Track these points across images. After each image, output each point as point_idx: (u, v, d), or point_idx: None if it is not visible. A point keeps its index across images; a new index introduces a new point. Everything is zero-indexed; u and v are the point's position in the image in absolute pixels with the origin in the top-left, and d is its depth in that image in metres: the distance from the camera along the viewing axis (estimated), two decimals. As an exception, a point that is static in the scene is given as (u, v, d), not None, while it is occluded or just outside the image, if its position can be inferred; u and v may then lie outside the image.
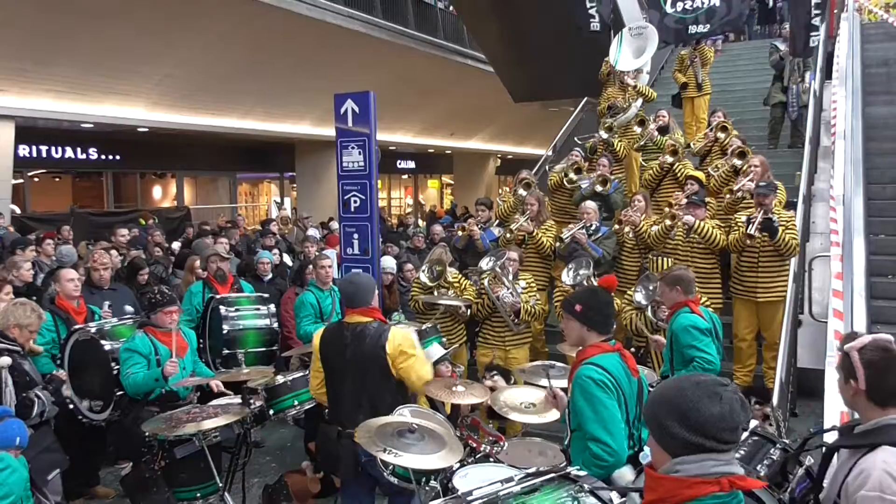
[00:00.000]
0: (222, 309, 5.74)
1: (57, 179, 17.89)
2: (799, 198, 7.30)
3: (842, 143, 7.81)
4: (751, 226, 5.81)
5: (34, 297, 5.22)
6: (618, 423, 2.85)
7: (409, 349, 3.71)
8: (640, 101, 8.73)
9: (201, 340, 5.73)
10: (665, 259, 6.21)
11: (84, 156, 16.88)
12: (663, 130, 8.20)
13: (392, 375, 3.70)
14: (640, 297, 5.68)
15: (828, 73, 10.35)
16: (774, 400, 4.82)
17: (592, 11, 10.58)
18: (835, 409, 4.41)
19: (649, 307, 5.60)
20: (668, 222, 6.22)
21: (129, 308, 5.87)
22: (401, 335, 3.75)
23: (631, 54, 9.45)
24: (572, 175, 7.62)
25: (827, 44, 11.14)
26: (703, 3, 9.40)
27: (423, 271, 6.21)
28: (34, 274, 6.71)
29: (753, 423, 3.14)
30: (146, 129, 15.32)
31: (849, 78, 9.40)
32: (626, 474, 2.34)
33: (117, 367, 4.58)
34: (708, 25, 9.55)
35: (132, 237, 9.82)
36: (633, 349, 5.61)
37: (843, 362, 2.31)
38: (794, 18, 9.21)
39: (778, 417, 4.55)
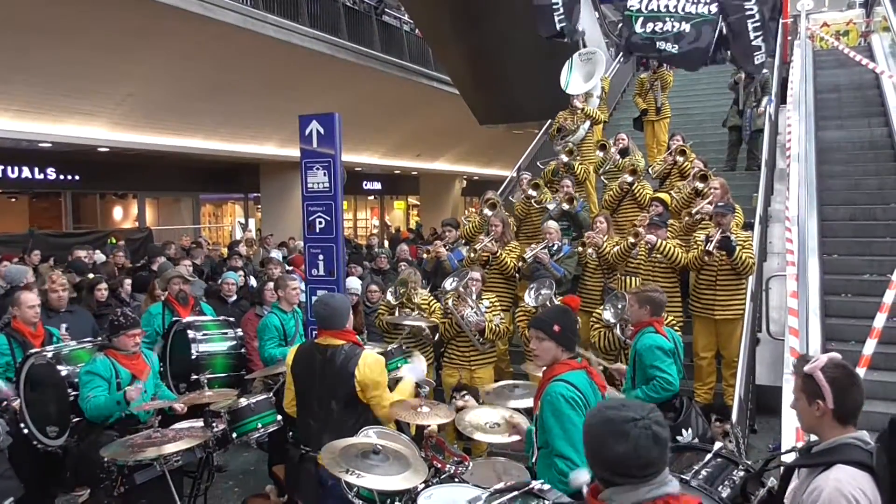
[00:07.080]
0: (190, 333, 5.64)
1: (13, 200, 17.48)
2: (756, 219, 7.48)
3: (796, 165, 8.03)
4: (709, 243, 5.96)
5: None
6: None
7: (381, 378, 3.72)
8: (588, 123, 8.97)
9: (162, 364, 5.62)
10: (633, 278, 6.29)
11: (42, 176, 16.51)
12: (623, 152, 8.39)
13: (359, 401, 3.69)
14: (608, 315, 5.68)
15: (783, 98, 10.67)
16: (734, 417, 4.90)
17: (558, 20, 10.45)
18: (792, 425, 4.52)
19: (617, 325, 5.64)
20: (631, 240, 6.33)
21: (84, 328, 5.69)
22: (373, 361, 3.74)
23: (581, 78, 9.81)
24: (531, 192, 7.76)
25: (781, 69, 11.50)
26: (672, 27, 9.53)
27: (390, 291, 6.30)
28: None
29: (717, 445, 3.18)
30: (107, 149, 15.08)
31: (802, 103, 9.71)
32: (583, 475, 2.38)
33: (74, 392, 4.46)
34: (677, 46, 9.66)
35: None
36: (601, 367, 5.67)
37: (806, 385, 2.30)
38: (737, 40, 9.32)
39: (737, 434, 4.64)
